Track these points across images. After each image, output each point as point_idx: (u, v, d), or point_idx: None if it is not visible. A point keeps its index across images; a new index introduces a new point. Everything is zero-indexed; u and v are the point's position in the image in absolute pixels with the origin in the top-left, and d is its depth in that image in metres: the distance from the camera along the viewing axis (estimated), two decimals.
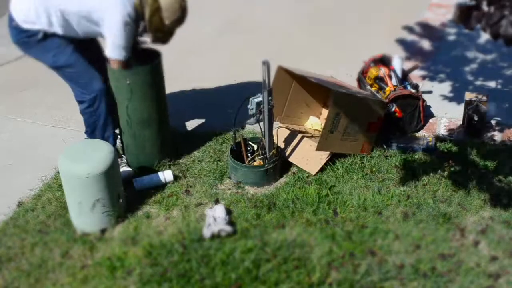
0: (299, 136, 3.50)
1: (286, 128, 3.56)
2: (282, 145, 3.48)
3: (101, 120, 3.26)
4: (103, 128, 3.29)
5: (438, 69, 4.41)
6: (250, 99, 3.19)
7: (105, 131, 3.31)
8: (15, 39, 3.15)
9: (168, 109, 3.44)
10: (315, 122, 3.68)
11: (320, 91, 3.64)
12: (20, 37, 3.12)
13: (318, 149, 3.27)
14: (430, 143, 3.52)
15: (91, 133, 3.34)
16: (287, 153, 3.46)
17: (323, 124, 3.44)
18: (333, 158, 3.45)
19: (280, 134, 3.51)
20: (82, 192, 2.89)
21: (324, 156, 3.37)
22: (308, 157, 3.40)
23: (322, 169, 3.37)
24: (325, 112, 3.66)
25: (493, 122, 3.77)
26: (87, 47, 3.23)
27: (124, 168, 3.32)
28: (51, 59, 3.16)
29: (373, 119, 3.46)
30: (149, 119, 3.28)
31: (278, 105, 3.41)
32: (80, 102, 3.29)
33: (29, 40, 3.10)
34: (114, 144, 3.34)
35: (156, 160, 3.41)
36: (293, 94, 3.56)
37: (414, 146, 3.50)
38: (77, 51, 3.16)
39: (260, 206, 3.12)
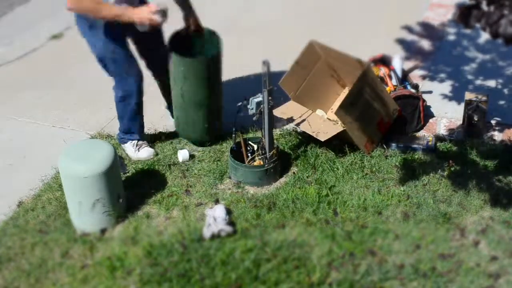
0: (310, 111, 3.54)
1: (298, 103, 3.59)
2: (293, 115, 3.49)
3: (130, 113, 3.48)
4: (130, 121, 3.52)
5: (438, 69, 4.40)
6: (250, 99, 3.20)
7: (132, 125, 3.53)
8: (75, 20, 3.32)
9: (222, 94, 3.60)
10: (321, 115, 3.66)
11: (340, 82, 3.67)
12: (77, 21, 3.31)
13: (336, 112, 3.28)
14: (430, 143, 3.52)
15: (120, 118, 3.56)
16: (297, 122, 3.47)
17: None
18: (333, 158, 3.45)
19: (292, 105, 3.54)
20: (82, 192, 2.89)
21: (335, 127, 3.38)
22: (318, 127, 3.40)
23: (322, 171, 3.37)
24: (334, 108, 3.67)
25: (493, 122, 3.77)
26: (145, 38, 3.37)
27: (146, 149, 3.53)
28: (97, 49, 3.33)
29: (384, 118, 3.47)
30: (200, 103, 3.46)
31: (295, 82, 3.49)
32: (115, 92, 3.47)
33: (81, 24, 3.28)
34: (139, 138, 3.56)
35: (204, 138, 3.60)
36: (314, 77, 3.57)
37: (414, 146, 3.50)
38: (124, 46, 3.33)
39: (260, 206, 3.12)
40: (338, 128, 3.38)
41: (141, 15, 3.10)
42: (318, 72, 3.58)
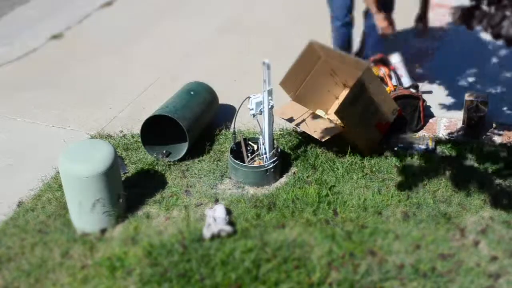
0: (310, 111, 3.54)
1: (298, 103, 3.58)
2: (293, 115, 3.49)
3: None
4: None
5: (438, 69, 4.40)
6: (250, 99, 3.20)
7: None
8: None
9: None
10: (321, 116, 3.66)
11: (339, 82, 3.67)
12: None
13: (336, 112, 3.27)
14: (430, 144, 3.52)
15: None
16: (297, 122, 3.46)
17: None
18: (333, 158, 3.45)
19: (292, 106, 3.53)
20: (82, 192, 2.89)
21: (335, 128, 3.38)
22: (318, 127, 3.41)
23: (322, 171, 3.37)
24: (334, 107, 3.67)
25: (492, 122, 3.77)
26: None
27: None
28: None
29: (384, 118, 3.47)
30: None
31: (295, 82, 3.48)
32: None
33: None
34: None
35: None
36: (313, 77, 3.57)
37: (414, 146, 3.50)
38: None
39: (260, 206, 3.12)
40: (338, 128, 3.38)
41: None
42: (318, 73, 3.58)
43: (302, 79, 3.54)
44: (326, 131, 3.37)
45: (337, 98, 3.71)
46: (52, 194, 3.24)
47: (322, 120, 3.49)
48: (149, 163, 3.47)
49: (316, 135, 3.35)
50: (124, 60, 4.78)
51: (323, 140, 3.33)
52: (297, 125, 3.46)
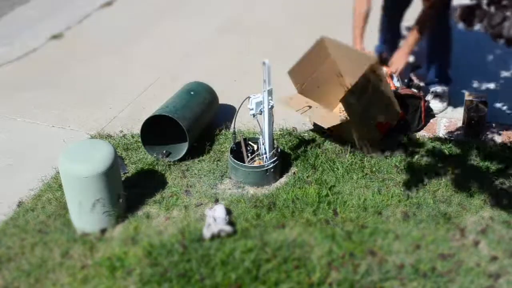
0: (315, 103, 3.56)
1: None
2: (298, 106, 3.51)
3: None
4: None
5: None
6: (250, 99, 3.20)
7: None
8: None
9: None
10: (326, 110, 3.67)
11: (344, 83, 3.67)
12: None
13: (341, 100, 3.27)
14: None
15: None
16: (301, 111, 3.48)
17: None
18: (333, 158, 3.45)
19: (297, 97, 3.56)
20: (82, 192, 2.89)
21: (339, 118, 3.40)
22: (322, 115, 3.43)
23: (322, 171, 3.37)
24: (337, 109, 3.69)
25: (493, 122, 3.77)
26: None
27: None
28: None
29: (384, 119, 3.46)
30: None
31: (302, 75, 3.52)
32: None
33: None
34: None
35: None
36: (320, 74, 3.57)
37: None
38: None
39: (260, 206, 3.12)
40: (342, 118, 3.38)
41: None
42: (324, 71, 3.58)
43: (309, 73, 3.55)
44: (330, 119, 3.37)
45: (340, 100, 3.71)
46: (52, 194, 3.24)
47: (327, 111, 3.49)
48: (149, 163, 3.47)
49: (321, 122, 3.36)
50: (124, 60, 4.78)
51: (326, 127, 3.33)
52: (301, 112, 3.46)
